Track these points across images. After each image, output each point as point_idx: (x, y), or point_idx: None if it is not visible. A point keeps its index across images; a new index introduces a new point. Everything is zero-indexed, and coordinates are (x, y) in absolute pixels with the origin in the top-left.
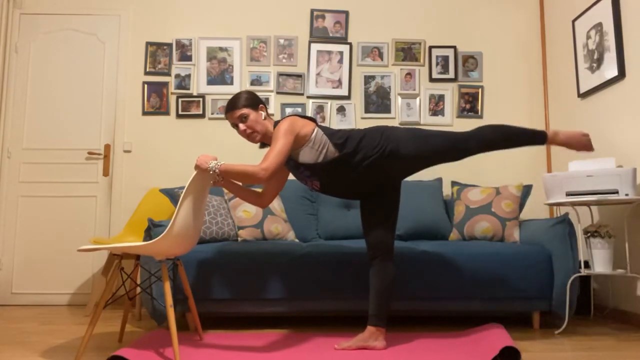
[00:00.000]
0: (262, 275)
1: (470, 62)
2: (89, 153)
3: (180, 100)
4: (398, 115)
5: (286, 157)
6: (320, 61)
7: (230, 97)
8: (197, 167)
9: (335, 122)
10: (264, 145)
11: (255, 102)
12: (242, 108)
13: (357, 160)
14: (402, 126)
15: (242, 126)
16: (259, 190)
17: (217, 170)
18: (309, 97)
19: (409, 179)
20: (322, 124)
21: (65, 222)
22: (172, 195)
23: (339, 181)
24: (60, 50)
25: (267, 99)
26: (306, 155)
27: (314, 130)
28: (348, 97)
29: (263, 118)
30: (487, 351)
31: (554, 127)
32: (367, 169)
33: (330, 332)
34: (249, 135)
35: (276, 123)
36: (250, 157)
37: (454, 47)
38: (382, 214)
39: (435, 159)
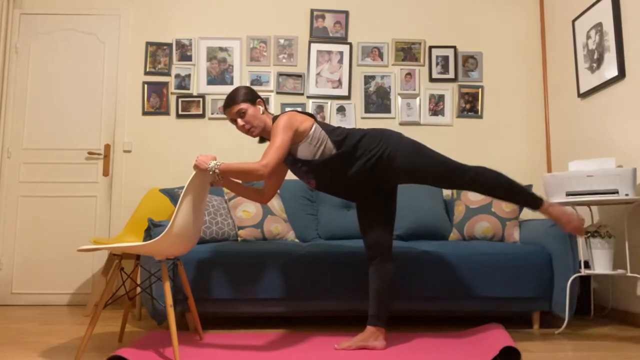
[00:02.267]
0: (262, 275)
1: (470, 62)
2: (89, 153)
3: (180, 100)
4: (398, 115)
5: (286, 153)
6: (320, 61)
7: (228, 94)
8: (196, 167)
9: (335, 122)
10: (263, 140)
11: (253, 97)
12: (240, 103)
13: (354, 159)
14: (407, 137)
15: (240, 121)
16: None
17: (216, 171)
18: (309, 97)
19: None
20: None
21: (65, 222)
22: (172, 195)
23: (335, 179)
24: (60, 50)
25: (267, 99)
26: (304, 151)
27: (312, 126)
28: (348, 97)
29: (261, 113)
30: (487, 351)
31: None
32: (363, 169)
33: (330, 332)
34: (248, 131)
35: (275, 118)
36: (250, 157)
37: (454, 47)
38: (380, 214)
39: (426, 180)
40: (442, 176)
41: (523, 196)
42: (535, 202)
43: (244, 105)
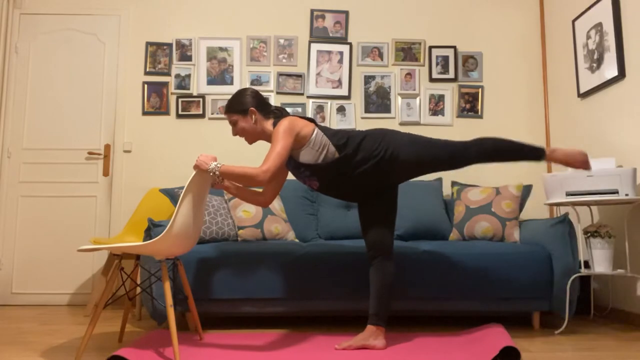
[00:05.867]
0: (262, 275)
1: (470, 62)
2: (89, 153)
3: (180, 100)
4: (398, 115)
5: (286, 158)
6: (320, 61)
7: (230, 97)
8: (196, 167)
9: (335, 122)
10: None
11: (245, 107)
12: (232, 114)
13: (356, 162)
14: (403, 132)
15: (233, 131)
16: (259, 190)
17: (217, 172)
18: (309, 97)
19: None
20: (322, 124)
21: (65, 222)
22: (172, 195)
23: (338, 182)
24: (60, 50)
25: (267, 99)
26: (306, 156)
27: (314, 131)
28: (348, 97)
29: (253, 122)
30: (487, 351)
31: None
32: (366, 171)
33: (330, 332)
34: (243, 138)
35: (276, 122)
36: (250, 157)
37: (454, 47)
38: (381, 214)
39: (433, 166)
40: (448, 158)
41: (527, 152)
42: (539, 153)
43: (234, 117)
